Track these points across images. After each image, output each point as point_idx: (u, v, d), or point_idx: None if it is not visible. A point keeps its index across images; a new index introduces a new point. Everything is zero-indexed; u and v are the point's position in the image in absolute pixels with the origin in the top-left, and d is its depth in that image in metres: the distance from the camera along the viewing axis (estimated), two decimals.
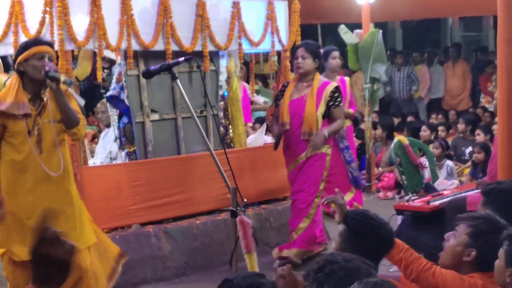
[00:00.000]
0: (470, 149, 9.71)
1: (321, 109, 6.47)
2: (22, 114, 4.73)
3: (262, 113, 11.08)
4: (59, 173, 4.81)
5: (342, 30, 9.99)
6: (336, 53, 8.39)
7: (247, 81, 10.06)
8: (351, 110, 8.36)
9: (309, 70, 6.56)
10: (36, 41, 4.89)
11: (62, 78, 4.69)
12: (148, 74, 4.36)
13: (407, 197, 6.36)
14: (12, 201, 4.80)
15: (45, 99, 4.79)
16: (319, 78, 6.63)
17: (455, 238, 3.51)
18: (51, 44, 4.96)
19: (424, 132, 10.25)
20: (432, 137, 10.15)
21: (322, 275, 2.76)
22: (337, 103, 6.55)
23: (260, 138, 8.80)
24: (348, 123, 8.35)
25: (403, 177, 7.32)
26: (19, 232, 4.77)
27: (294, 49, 6.56)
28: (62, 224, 4.64)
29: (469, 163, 9.40)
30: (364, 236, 3.42)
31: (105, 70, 8.08)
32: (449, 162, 9.27)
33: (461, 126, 10.45)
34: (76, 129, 4.82)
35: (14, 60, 4.87)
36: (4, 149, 4.83)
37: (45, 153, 4.79)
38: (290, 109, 6.56)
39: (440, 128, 10.68)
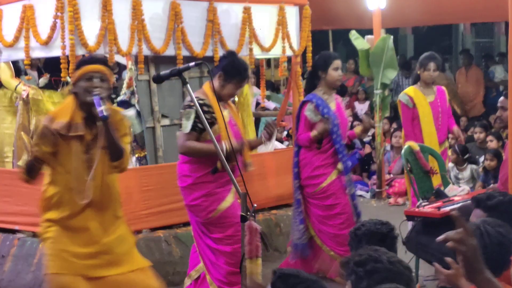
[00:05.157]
0: (483, 158, 9.57)
1: None
2: (74, 135, 4.30)
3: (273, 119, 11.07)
4: (87, 200, 4.37)
5: (353, 36, 9.99)
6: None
7: (258, 87, 10.08)
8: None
9: None
10: (86, 60, 4.45)
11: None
12: (158, 79, 4.33)
13: (417, 203, 6.32)
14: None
15: (98, 123, 4.33)
16: None
17: None
18: (103, 61, 4.50)
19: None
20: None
21: (363, 271, 2.64)
22: None
23: (270, 143, 8.80)
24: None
25: (415, 186, 7.23)
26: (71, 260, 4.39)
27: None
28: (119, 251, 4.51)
29: (481, 169, 9.34)
30: None
31: (115, 75, 8.10)
32: (473, 166, 9.20)
33: (479, 135, 10.10)
34: (118, 162, 4.46)
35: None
36: (53, 171, 4.40)
37: (97, 180, 4.41)
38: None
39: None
